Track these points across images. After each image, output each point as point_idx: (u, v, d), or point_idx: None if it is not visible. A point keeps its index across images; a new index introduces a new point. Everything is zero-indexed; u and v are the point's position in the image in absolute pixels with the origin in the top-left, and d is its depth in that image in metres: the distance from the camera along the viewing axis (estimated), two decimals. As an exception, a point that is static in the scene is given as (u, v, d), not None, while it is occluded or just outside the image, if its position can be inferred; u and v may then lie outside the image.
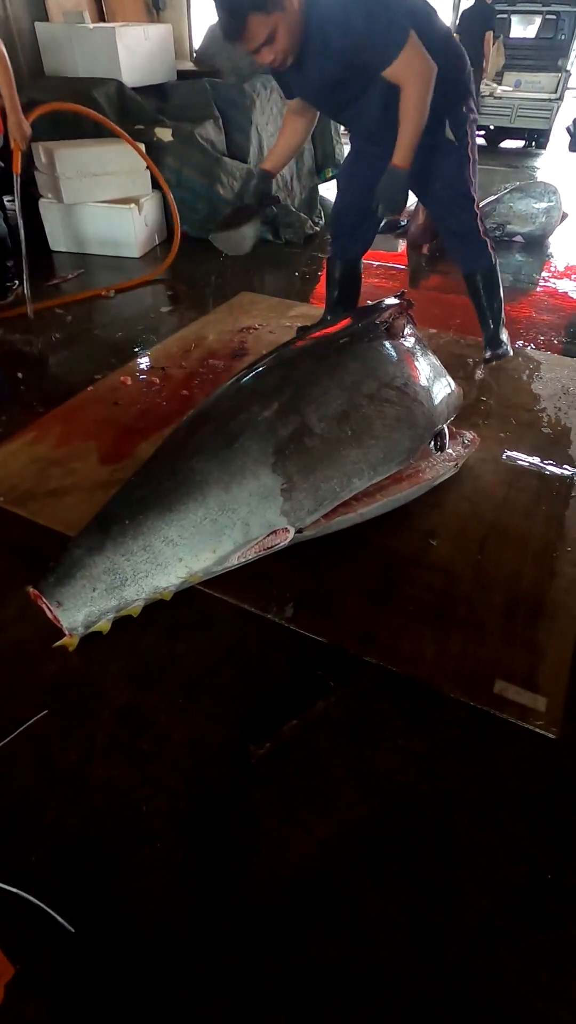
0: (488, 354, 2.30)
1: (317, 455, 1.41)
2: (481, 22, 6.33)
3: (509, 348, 2.33)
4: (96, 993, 0.87)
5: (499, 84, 7.16)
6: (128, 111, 3.75)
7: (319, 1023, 0.85)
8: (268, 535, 1.38)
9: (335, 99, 1.79)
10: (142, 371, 2.40)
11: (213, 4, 1.52)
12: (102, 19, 4.47)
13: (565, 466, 1.94)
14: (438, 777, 1.13)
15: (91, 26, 3.95)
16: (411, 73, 1.58)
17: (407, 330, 1.75)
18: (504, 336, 2.31)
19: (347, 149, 5.82)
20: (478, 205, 2.03)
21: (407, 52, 1.55)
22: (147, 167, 3.39)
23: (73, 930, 0.92)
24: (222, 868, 1.00)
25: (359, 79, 1.67)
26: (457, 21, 6.67)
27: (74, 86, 3.67)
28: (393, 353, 1.65)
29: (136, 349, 2.58)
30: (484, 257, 2.10)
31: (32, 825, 1.05)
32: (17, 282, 2.90)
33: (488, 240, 2.09)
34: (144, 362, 2.47)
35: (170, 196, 3.40)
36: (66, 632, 1.26)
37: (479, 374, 2.39)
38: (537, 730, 1.20)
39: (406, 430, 1.52)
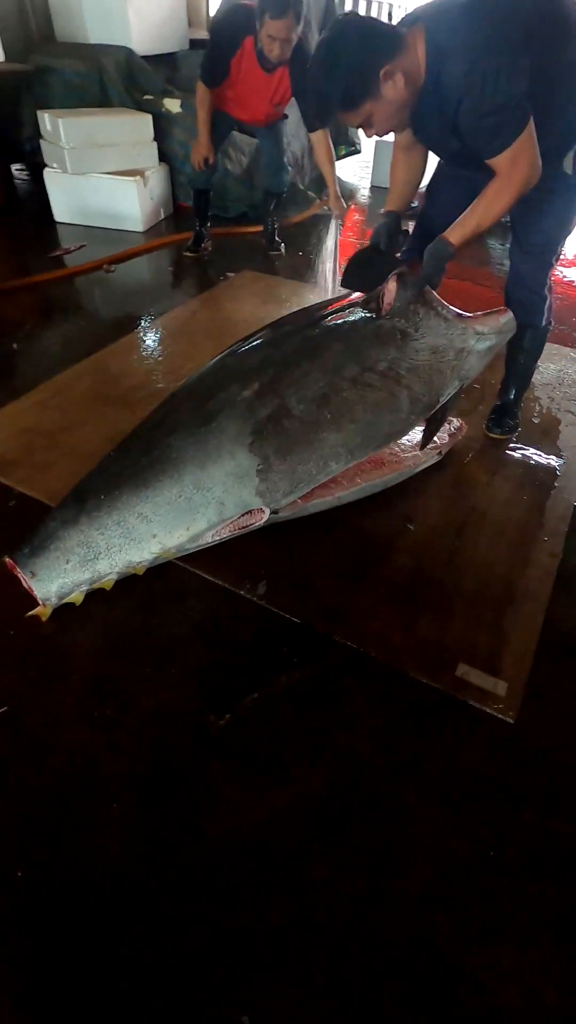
0: (497, 432, 2.01)
1: (295, 437, 1.40)
2: None
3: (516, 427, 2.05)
4: (46, 941, 0.92)
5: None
6: (136, 80, 3.70)
7: (259, 977, 0.89)
8: (243, 515, 1.40)
9: (452, 154, 1.59)
10: (139, 345, 2.40)
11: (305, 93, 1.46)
12: (114, -17, 4.37)
13: (551, 456, 1.93)
14: (393, 752, 1.16)
15: (102, -10, 3.87)
16: (512, 170, 1.40)
17: (412, 307, 1.56)
18: (518, 415, 2.05)
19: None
20: (558, 257, 1.74)
21: (515, 149, 1.37)
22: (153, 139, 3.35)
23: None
24: (176, 829, 1.04)
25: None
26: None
27: (83, 52, 3.62)
28: (380, 335, 1.56)
29: (135, 323, 2.58)
30: (538, 316, 1.82)
31: (-3, 783, 1.09)
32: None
33: (549, 297, 1.82)
34: (141, 336, 2.47)
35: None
36: (40, 602, 1.30)
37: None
38: (495, 714, 1.23)
39: (387, 415, 1.49)
